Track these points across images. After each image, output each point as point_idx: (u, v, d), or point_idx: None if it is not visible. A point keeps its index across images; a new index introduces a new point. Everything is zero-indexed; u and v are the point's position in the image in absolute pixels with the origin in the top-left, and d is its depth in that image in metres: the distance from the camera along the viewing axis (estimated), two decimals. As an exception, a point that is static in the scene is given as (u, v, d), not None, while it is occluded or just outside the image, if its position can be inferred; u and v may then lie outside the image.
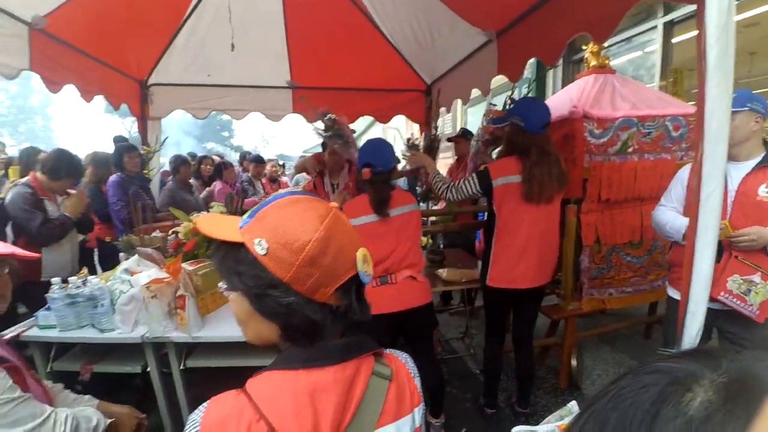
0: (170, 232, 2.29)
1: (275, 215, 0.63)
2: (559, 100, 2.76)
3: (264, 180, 5.54)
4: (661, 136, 2.62)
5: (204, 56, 3.58)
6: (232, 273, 0.63)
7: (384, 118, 4.31)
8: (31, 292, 2.01)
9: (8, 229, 2.34)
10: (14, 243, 2.27)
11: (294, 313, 0.61)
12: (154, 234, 2.52)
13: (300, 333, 0.63)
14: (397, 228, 2.01)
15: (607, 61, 2.85)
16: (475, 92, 3.09)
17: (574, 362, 2.76)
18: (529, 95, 3.29)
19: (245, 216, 0.65)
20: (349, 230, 0.66)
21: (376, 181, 1.99)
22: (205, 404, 0.62)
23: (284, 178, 6.74)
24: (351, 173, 3.02)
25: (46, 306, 1.78)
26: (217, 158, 6.11)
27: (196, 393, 1.88)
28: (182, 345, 1.81)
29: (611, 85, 2.70)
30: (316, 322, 0.62)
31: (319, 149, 3.33)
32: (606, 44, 2.87)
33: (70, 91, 2.83)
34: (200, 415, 0.60)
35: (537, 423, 1.03)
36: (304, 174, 3.65)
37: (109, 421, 1.30)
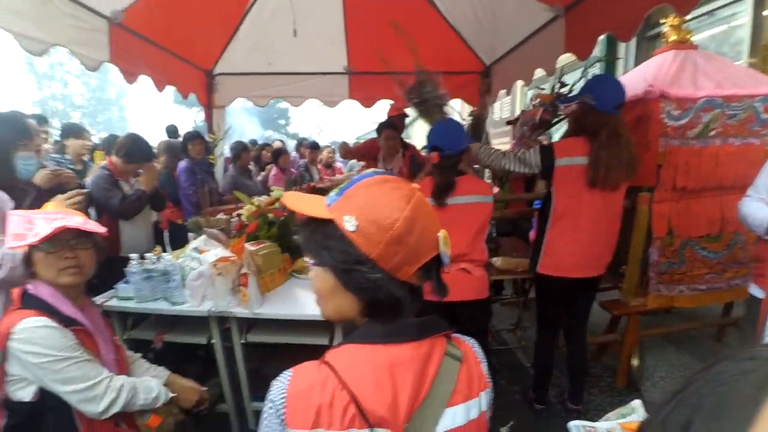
0: (234, 214, 2.42)
1: (364, 194, 0.65)
2: (633, 79, 2.54)
3: (319, 166, 5.68)
4: (749, 119, 2.35)
5: (265, 44, 3.70)
6: (320, 248, 0.66)
7: None
8: (111, 266, 2.21)
9: (91, 210, 2.58)
10: (97, 221, 2.51)
11: (379, 289, 0.63)
12: (218, 216, 2.67)
13: (382, 309, 0.65)
14: (455, 217, 1.93)
15: (688, 36, 2.58)
16: (538, 72, 2.93)
17: (634, 362, 2.60)
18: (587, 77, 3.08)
19: (332, 194, 0.68)
20: (431, 211, 0.67)
21: (444, 166, 1.93)
22: (287, 373, 0.65)
23: (338, 164, 6.87)
24: (405, 158, 3.01)
25: (125, 279, 1.94)
26: (279, 144, 6.36)
27: (253, 366, 1.99)
28: (243, 320, 1.90)
29: (693, 62, 2.44)
30: (399, 299, 0.64)
31: (373, 135, 3.34)
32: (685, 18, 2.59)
33: (143, 82, 3.05)
34: (285, 383, 0.63)
35: (591, 421, 0.98)
36: (356, 160, 3.69)
37: (171, 395, 1.38)
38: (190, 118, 23.90)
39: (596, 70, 4.21)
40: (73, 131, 3.25)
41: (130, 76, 2.83)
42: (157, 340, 1.91)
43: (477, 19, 3.16)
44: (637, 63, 4.48)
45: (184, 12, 3.00)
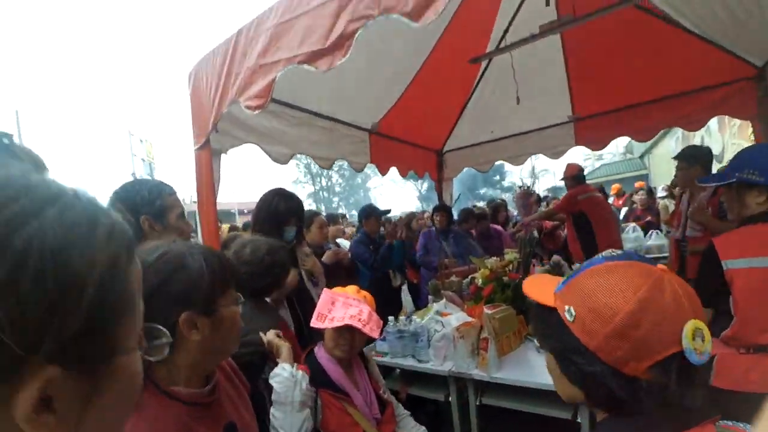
0: (469, 277, 2.59)
1: (586, 283, 0.62)
2: None
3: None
4: None
5: (488, 116, 3.99)
6: (542, 334, 0.69)
7: (693, 124, 3.45)
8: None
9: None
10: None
11: (596, 384, 0.59)
12: (451, 279, 2.91)
13: (603, 405, 0.61)
14: None
15: None
16: None
17: None
18: None
19: (563, 280, 0.70)
20: (680, 298, 0.57)
21: None
22: None
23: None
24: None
25: (382, 336, 2.26)
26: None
27: (481, 427, 1.99)
28: (479, 382, 1.96)
29: None
30: (620, 399, 0.58)
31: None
32: None
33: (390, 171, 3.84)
34: None
35: None
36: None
37: None
38: (416, 189, 29.04)
39: None
40: (332, 219, 4.31)
41: (384, 170, 3.69)
42: (402, 392, 2.12)
43: (734, 18, 2.51)
44: None
45: (422, 109, 3.61)
